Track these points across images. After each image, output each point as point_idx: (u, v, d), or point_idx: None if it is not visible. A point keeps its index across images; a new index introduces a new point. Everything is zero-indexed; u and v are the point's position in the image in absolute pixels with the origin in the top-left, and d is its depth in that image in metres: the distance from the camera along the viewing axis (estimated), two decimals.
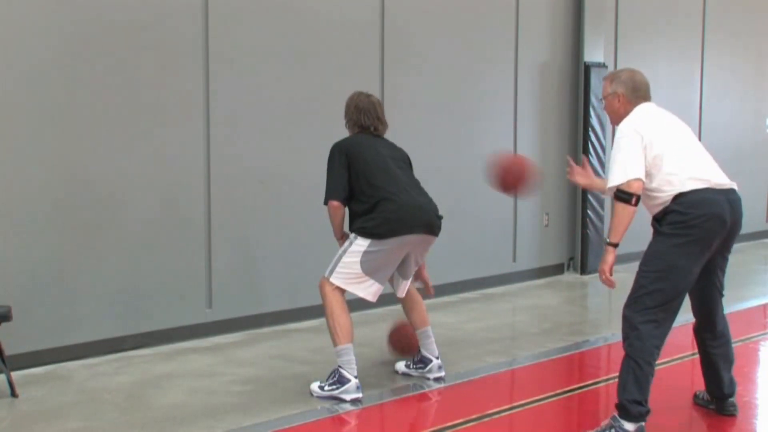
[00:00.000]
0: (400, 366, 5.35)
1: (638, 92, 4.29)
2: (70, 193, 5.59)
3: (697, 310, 4.41)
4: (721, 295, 4.37)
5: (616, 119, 4.32)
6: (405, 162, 5.13)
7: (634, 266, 4.21)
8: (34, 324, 5.39)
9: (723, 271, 4.33)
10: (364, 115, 5.07)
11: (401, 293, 5.14)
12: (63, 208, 5.56)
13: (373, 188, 4.83)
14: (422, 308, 5.22)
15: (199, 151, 6.20)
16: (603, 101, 4.45)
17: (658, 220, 4.14)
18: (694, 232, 3.99)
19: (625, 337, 4.09)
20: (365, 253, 4.76)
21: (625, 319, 4.09)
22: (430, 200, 4.99)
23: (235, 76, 6.37)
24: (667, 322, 4.07)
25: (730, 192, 4.14)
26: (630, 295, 4.12)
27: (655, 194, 4.10)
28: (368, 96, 5.17)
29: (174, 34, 6.04)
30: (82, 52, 5.60)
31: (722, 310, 4.39)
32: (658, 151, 4.07)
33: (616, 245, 4.11)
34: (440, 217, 4.98)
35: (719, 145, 10.68)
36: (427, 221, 4.87)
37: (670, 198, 4.05)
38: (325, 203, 4.95)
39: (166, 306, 6.06)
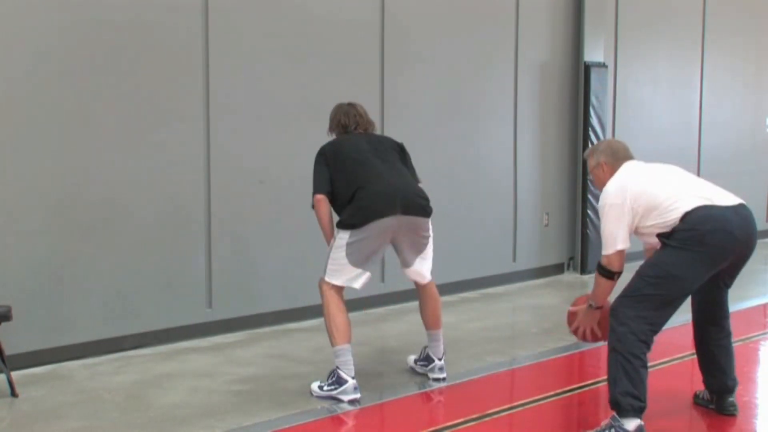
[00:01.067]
0: (410, 359, 5.37)
1: (618, 155, 4.39)
2: (70, 192, 5.59)
3: (698, 304, 4.42)
4: (726, 288, 4.39)
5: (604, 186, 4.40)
6: (392, 149, 5.08)
7: (635, 266, 4.22)
8: (34, 324, 5.40)
9: (732, 278, 4.36)
10: (344, 116, 5.12)
11: (420, 280, 5.09)
12: (63, 208, 5.56)
13: (349, 182, 4.83)
14: (437, 311, 5.17)
15: (199, 151, 6.20)
16: (590, 176, 4.60)
17: (666, 236, 4.11)
18: (703, 249, 3.98)
19: (612, 331, 4.09)
20: (348, 245, 4.77)
21: (614, 313, 4.10)
22: (408, 182, 4.93)
23: (235, 76, 6.37)
24: (657, 323, 4.07)
25: (739, 207, 4.13)
26: (622, 293, 4.13)
27: (659, 226, 4.10)
28: (349, 103, 5.22)
29: (174, 34, 6.05)
30: (81, 52, 5.60)
31: (726, 303, 4.40)
32: (647, 198, 4.10)
33: (600, 308, 4.31)
34: (425, 199, 4.91)
35: (719, 145, 10.72)
36: (402, 202, 4.79)
37: (677, 219, 4.05)
38: (313, 206, 4.95)
39: (166, 306, 6.06)
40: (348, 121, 5.10)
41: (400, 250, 5.01)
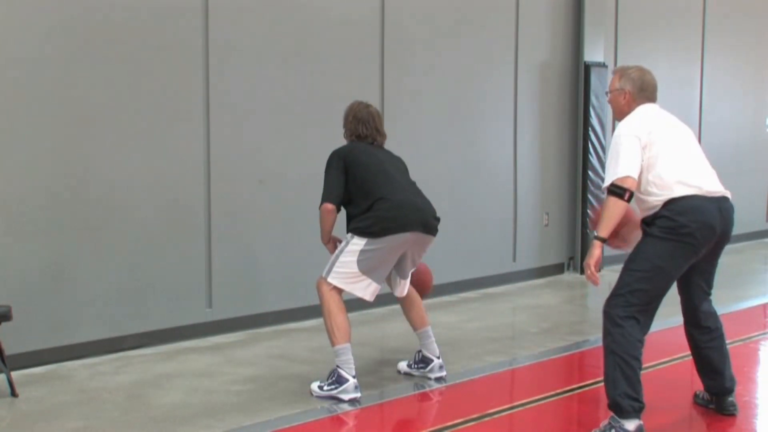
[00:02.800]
0: (402, 366, 5.35)
1: (645, 92, 4.31)
2: (70, 193, 5.59)
3: (682, 306, 4.43)
4: (707, 294, 4.38)
5: (619, 115, 4.35)
6: (402, 169, 5.13)
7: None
8: (34, 324, 5.39)
9: (710, 274, 4.35)
10: (363, 125, 5.07)
11: (400, 293, 5.14)
12: (63, 208, 5.56)
13: (369, 190, 4.84)
14: (421, 309, 5.22)
15: (199, 150, 6.20)
16: (608, 94, 4.45)
17: (647, 223, 4.14)
18: (683, 239, 4.00)
19: (607, 333, 4.09)
20: (362, 252, 4.77)
21: (607, 315, 4.10)
22: (427, 201, 5.00)
23: (235, 76, 6.37)
24: (647, 322, 4.08)
25: (722, 200, 4.14)
26: (612, 292, 4.14)
27: (644, 197, 4.12)
28: (367, 106, 5.15)
29: (174, 34, 6.05)
30: (81, 51, 5.60)
31: (708, 306, 4.39)
32: (653, 153, 4.09)
33: (604, 240, 4.09)
34: (437, 219, 5.00)
35: (719, 144, 10.72)
36: (423, 220, 4.87)
37: (660, 203, 4.06)
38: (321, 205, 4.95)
39: (166, 306, 6.06)
40: (367, 133, 5.07)
41: (403, 263, 5.02)
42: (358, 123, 5.08)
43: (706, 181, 4.14)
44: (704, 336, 4.38)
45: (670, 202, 4.03)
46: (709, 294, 4.39)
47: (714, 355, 4.38)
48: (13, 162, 5.35)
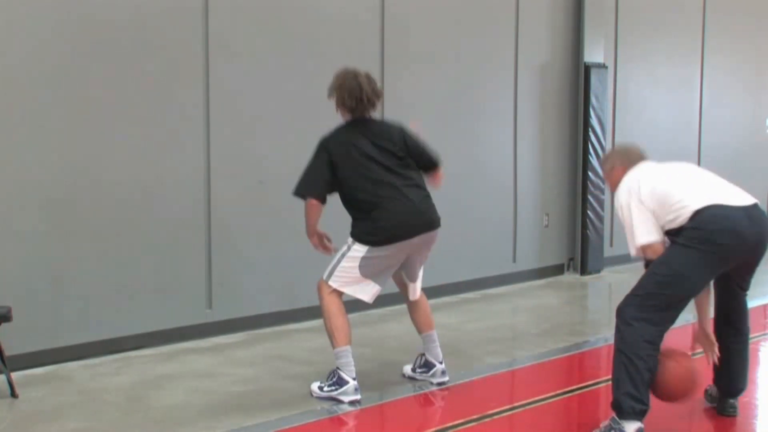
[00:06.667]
0: (406, 369, 5.33)
1: (631, 157, 4.42)
2: (69, 193, 5.58)
3: (715, 302, 4.43)
4: (743, 293, 4.40)
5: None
6: (399, 148, 4.79)
7: (638, 266, 4.22)
8: (34, 324, 5.39)
9: (746, 281, 4.36)
10: (348, 97, 4.82)
11: (413, 296, 5.06)
12: (63, 208, 5.56)
13: (364, 195, 4.72)
14: (427, 311, 5.15)
15: (199, 151, 6.20)
16: (606, 182, 4.60)
17: (674, 234, 4.12)
18: (709, 247, 3.98)
19: (617, 332, 4.10)
20: (363, 258, 4.73)
21: (619, 314, 4.12)
22: (424, 196, 4.84)
23: (235, 76, 6.37)
24: (662, 324, 4.07)
25: (751, 208, 4.10)
26: (630, 292, 4.14)
27: (671, 225, 4.11)
28: (356, 76, 4.83)
29: (174, 34, 6.04)
30: (80, 51, 5.60)
31: (744, 306, 4.41)
32: (658, 196, 4.11)
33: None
34: (436, 212, 4.88)
35: (719, 145, 10.72)
36: (424, 221, 4.79)
37: (686, 219, 4.05)
38: (296, 194, 4.78)
39: (166, 306, 6.06)
40: (353, 105, 4.81)
41: (411, 265, 4.95)
42: (344, 95, 4.82)
43: (726, 192, 4.13)
44: (730, 336, 4.42)
45: (696, 214, 4.02)
46: (745, 292, 4.41)
47: (733, 356, 4.41)
48: (13, 163, 5.35)
